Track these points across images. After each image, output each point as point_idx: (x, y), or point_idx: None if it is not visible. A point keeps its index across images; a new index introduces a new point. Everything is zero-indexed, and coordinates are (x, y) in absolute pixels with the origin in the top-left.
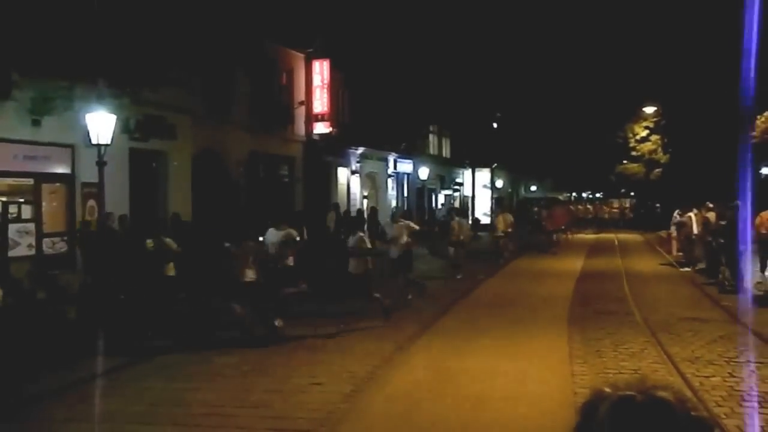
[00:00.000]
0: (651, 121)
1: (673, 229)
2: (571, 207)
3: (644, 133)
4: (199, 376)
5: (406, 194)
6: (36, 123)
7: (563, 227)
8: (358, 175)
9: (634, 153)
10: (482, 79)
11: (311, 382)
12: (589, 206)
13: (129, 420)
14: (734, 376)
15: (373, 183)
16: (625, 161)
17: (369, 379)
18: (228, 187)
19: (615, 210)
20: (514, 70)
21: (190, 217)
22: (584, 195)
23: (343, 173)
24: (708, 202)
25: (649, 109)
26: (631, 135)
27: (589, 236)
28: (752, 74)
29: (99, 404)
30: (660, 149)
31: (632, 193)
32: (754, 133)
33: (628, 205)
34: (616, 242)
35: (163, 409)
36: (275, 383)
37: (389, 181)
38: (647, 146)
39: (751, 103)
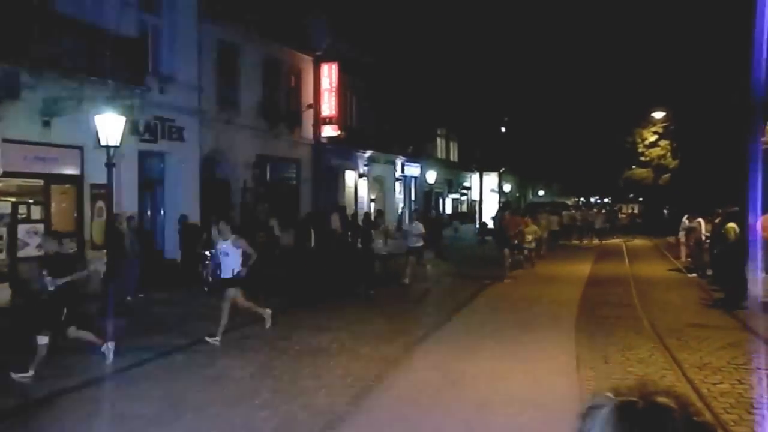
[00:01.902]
0: (660, 126)
1: (681, 234)
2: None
3: (653, 138)
4: (206, 378)
5: (413, 198)
6: (46, 124)
7: (514, 238)
8: (365, 178)
9: (642, 158)
10: (490, 83)
11: (317, 385)
12: (595, 209)
13: (135, 420)
14: (743, 383)
15: (380, 186)
16: (633, 166)
17: (375, 381)
18: (235, 189)
19: (623, 216)
20: (522, 74)
21: (197, 219)
22: (592, 200)
23: (350, 176)
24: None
25: (658, 114)
26: (639, 140)
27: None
28: (762, 80)
29: (106, 405)
30: (669, 154)
31: (640, 199)
32: (764, 139)
33: (636, 211)
34: (624, 248)
35: (169, 410)
36: (281, 385)
37: (397, 184)
38: (656, 151)
39: (761, 109)
